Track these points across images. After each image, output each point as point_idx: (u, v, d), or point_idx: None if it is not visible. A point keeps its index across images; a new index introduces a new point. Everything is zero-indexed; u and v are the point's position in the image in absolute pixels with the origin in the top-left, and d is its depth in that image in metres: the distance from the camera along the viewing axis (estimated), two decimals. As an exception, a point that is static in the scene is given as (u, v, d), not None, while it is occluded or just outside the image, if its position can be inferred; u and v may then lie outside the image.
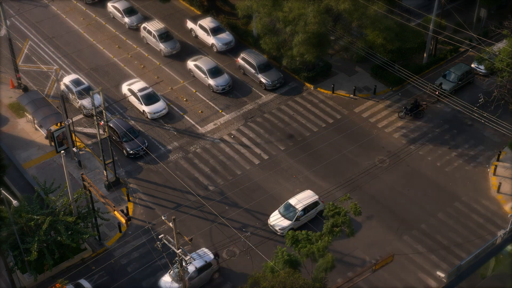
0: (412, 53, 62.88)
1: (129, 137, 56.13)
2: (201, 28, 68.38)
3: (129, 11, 71.13)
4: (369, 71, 64.37)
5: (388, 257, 46.07)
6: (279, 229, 50.14)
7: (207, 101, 62.38)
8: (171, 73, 65.30)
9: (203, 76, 63.07)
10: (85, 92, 59.58)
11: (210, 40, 67.62)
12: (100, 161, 55.19)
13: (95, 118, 50.88)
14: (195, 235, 50.01)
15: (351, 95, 62.38)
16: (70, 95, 60.87)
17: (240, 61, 64.91)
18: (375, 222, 51.53)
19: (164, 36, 67.16)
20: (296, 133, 58.81)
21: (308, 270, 43.00)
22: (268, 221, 50.87)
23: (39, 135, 58.82)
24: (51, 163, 56.32)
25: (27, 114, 59.79)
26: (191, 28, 69.52)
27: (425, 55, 64.30)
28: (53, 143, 56.95)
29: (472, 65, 63.48)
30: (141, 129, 59.10)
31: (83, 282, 46.61)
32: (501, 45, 58.77)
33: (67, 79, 61.72)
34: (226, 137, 58.68)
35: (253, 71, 63.55)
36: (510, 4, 69.04)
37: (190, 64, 64.54)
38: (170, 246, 39.80)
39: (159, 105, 59.80)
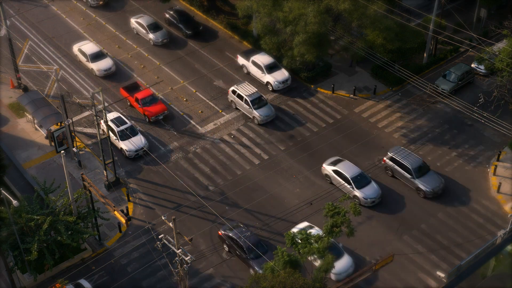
0: (412, 53, 62.86)
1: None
2: (254, 65, 63.62)
3: (154, 27, 68.79)
4: (369, 71, 64.38)
5: (388, 257, 46.10)
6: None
7: (207, 101, 62.37)
8: (171, 73, 65.30)
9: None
10: (128, 132, 56.34)
11: (265, 78, 62.99)
12: (100, 161, 55.19)
13: (95, 118, 50.88)
14: (195, 235, 50.02)
15: (351, 95, 62.38)
16: (111, 134, 55.93)
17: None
18: (375, 222, 51.53)
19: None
20: (296, 133, 58.80)
21: (308, 270, 43.01)
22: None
23: (39, 135, 58.83)
24: (51, 163, 56.33)
25: (27, 114, 59.80)
26: (243, 64, 64.76)
27: (425, 55, 64.30)
28: (53, 143, 56.97)
29: (472, 65, 63.49)
30: (141, 129, 59.00)
31: (83, 282, 46.61)
32: (501, 45, 58.77)
33: (108, 117, 56.10)
34: (226, 137, 58.68)
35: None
36: (510, 4, 69.03)
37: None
38: (170, 246, 39.82)
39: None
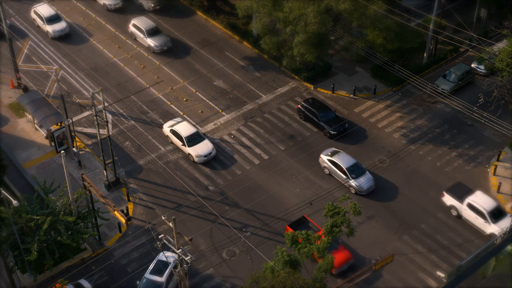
0: (412, 53, 62.90)
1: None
2: (472, 209, 50.23)
3: (356, 172, 53.60)
4: (369, 71, 64.40)
5: (388, 257, 46.10)
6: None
7: (207, 101, 62.38)
8: (171, 73, 65.30)
9: None
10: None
11: (488, 228, 49.67)
12: (100, 161, 55.20)
13: (95, 118, 50.84)
14: (195, 235, 50.02)
15: (351, 95, 62.39)
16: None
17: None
18: (375, 222, 51.54)
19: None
20: (296, 133, 58.81)
21: (308, 270, 43.02)
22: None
23: (39, 135, 58.84)
24: (51, 163, 56.34)
25: (27, 114, 59.81)
26: (451, 205, 51.41)
27: (425, 55, 64.31)
28: (53, 143, 56.98)
29: (472, 65, 63.50)
30: None
31: (83, 282, 46.63)
32: (501, 45, 58.78)
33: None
34: (226, 137, 58.69)
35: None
36: (510, 4, 69.06)
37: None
38: (170, 246, 39.80)
39: None
